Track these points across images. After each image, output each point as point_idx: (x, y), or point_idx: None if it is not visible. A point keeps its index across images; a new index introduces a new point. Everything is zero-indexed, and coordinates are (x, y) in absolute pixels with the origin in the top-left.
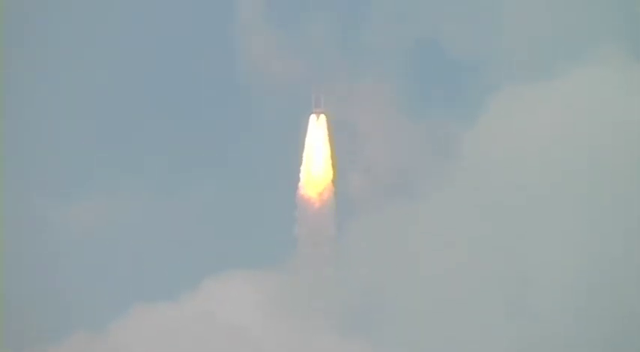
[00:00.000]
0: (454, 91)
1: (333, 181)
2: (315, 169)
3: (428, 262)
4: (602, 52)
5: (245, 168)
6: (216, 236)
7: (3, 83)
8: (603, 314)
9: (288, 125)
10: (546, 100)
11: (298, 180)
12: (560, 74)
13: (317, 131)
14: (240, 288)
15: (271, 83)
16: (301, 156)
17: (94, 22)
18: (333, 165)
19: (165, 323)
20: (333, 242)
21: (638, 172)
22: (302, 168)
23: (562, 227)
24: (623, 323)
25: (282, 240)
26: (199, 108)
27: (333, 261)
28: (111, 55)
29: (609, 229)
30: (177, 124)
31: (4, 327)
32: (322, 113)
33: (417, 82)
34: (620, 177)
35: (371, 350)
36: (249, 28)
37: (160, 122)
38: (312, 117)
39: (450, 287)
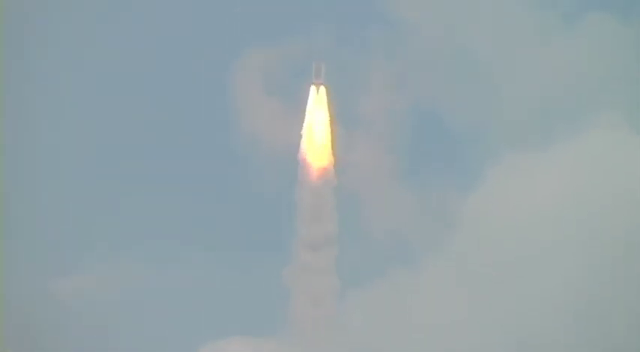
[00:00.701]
0: (453, 160)
1: (333, 151)
2: (317, 138)
3: (426, 330)
4: (602, 120)
5: (243, 237)
6: (215, 304)
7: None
8: None
9: (283, 193)
10: (545, 169)
11: (293, 248)
12: (559, 143)
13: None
14: None
15: (269, 154)
16: (296, 224)
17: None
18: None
19: None
20: (332, 311)
21: (638, 242)
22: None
23: (561, 297)
24: None
25: (280, 308)
26: (196, 176)
27: (331, 326)
28: (107, 132)
29: (608, 299)
30: (176, 194)
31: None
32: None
33: (416, 151)
34: (620, 247)
35: None
36: (246, 97)
37: (158, 191)
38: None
39: None
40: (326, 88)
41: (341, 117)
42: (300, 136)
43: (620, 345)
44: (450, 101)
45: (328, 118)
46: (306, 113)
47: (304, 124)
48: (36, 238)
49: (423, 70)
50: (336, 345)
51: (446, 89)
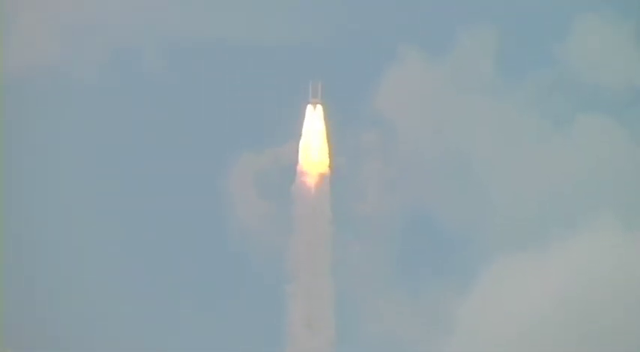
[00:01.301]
0: (446, 263)
1: (330, 167)
2: (313, 156)
3: None
4: (596, 221)
5: (239, 326)
6: None
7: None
8: None
9: (276, 292)
10: (540, 272)
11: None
12: (554, 244)
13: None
14: None
15: (262, 251)
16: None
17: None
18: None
19: None
20: None
21: (636, 344)
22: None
23: None
24: None
25: None
26: (191, 277)
27: None
28: (106, 237)
29: None
30: (173, 285)
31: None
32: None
33: (410, 254)
34: (617, 349)
35: None
36: (239, 200)
37: (154, 290)
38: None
39: None
40: (322, 106)
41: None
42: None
43: None
44: (442, 203)
45: (325, 136)
46: (303, 131)
47: (301, 141)
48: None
49: (416, 173)
50: None
51: (438, 191)
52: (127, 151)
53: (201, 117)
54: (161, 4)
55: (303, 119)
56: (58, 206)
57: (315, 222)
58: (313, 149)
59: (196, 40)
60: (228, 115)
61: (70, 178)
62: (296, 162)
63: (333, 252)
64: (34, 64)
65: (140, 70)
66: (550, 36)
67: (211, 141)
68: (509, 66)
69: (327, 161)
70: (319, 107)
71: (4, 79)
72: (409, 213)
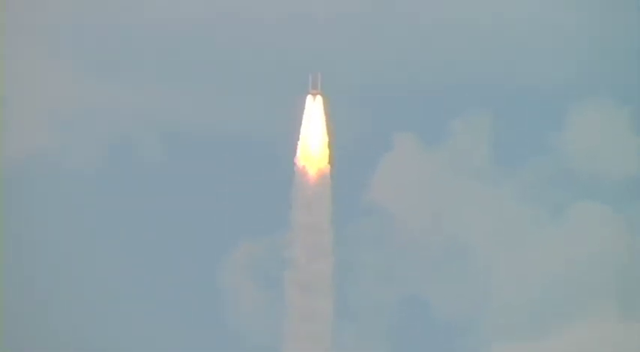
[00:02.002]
0: (443, 351)
1: (330, 161)
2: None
3: None
4: (592, 311)
5: None
6: None
7: None
8: None
9: None
10: None
11: None
12: (551, 333)
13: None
14: None
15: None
16: None
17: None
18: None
19: None
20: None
21: None
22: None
23: None
24: None
25: None
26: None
27: None
28: (103, 326)
29: None
30: None
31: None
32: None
33: (407, 342)
34: None
35: None
36: (234, 289)
37: None
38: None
39: None
40: (322, 97)
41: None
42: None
43: None
44: (439, 291)
45: (324, 127)
46: (303, 122)
47: (301, 133)
48: None
49: (413, 260)
50: None
51: (435, 279)
52: (125, 240)
53: (198, 206)
54: (158, 93)
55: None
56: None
57: (315, 217)
58: (313, 143)
59: (194, 130)
60: (226, 204)
61: (71, 268)
62: None
63: (334, 249)
64: (33, 154)
65: (138, 160)
66: (546, 124)
67: (209, 231)
68: (505, 154)
69: (326, 156)
70: (319, 98)
71: (3, 169)
72: (406, 300)
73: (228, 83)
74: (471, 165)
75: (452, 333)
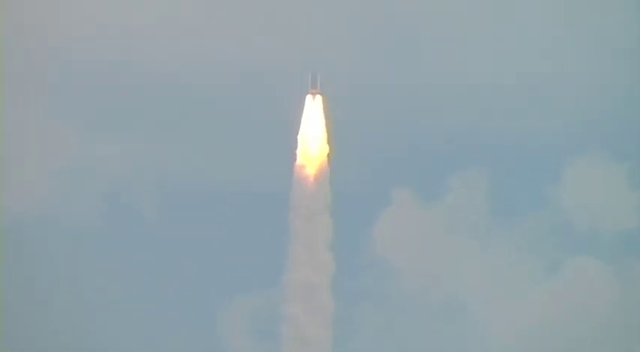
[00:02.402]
0: None
1: (329, 157)
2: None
3: None
4: None
5: None
6: None
7: None
8: None
9: None
10: None
11: None
12: None
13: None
14: None
15: None
16: None
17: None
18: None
19: None
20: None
21: None
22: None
23: None
24: None
25: None
26: None
27: None
28: None
29: None
30: None
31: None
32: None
33: None
34: None
35: None
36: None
37: None
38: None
39: None
40: (322, 96)
41: None
42: None
43: None
44: (438, 345)
45: (324, 126)
46: (302, 121)
47: (300, 132)
48: None
49: (411, 315)
50: None
51: (434, 333)
52: (122, 294)
53: (195, 261)
54: (154, 151)
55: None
56: None
57: (314, 213)
58: (312, 141)
59: (190, 185)
60: (222, 260)
61: (69, 323)
62: None
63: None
64: (32, 212)
65: (135, 215)
66: (542, 180)
67: (205, 287)
68: (502, 209)
69: (326, 153)
70: (318, 97)
71: (3, 225)
72: None
73: (222, 137)
74: (469, 220)
75: None
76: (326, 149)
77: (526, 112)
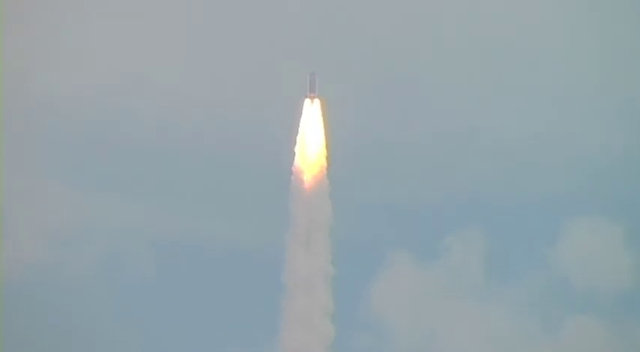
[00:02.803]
0: None
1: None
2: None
3: None
4: None
5: None
6: None
7: None
8: None
9: None
10: None
11: None
12: None
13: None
14: None
15: None
16: None
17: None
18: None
19: None
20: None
21: None
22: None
23: None
24: None
25: None
26: None
27: None
28: None
29: None
30: None
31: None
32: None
33: None
34: None
35: None
36: None
37: None
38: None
39: None
40: (320, 100)
41: None
42: None
43: None
44: None
45: (322, 130)
46: (300, 125)
47: (298, 137)
48: None
49: None
50: None
51: None
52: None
53: (188, 317)
54: (148, 208)
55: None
56: None
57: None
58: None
59: (184, 241)
60: (215, 315)
61: None
62: None
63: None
64: (30, 265)
65: (129, 270)
66: (540, 239)
67: (197, 345)
68: (498, 269)
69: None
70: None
71: (3, 278)
72: None
73: (216, 195)
74: (465, 280)
75: None
76: (324, 153)
77: (524, 173)
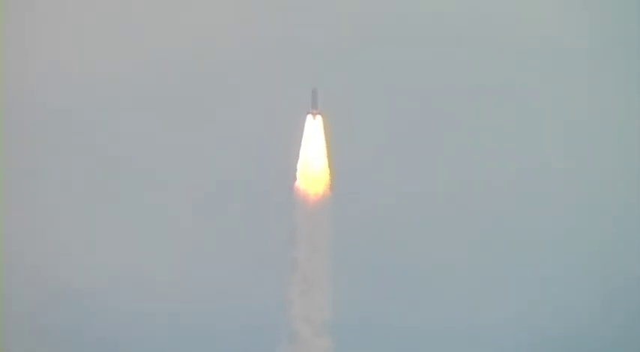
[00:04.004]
0: None
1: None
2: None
3: None
4: None
5: None
6: None
7: None
8: None
9: None
10: None
11: None
12: None
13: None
14: None
15: None
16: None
17: None
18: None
19: None
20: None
21: None
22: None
23: None
24: None
25: None
26: None
27: None
28: None
29: None
30: None
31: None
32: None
33: None
34: None
35: None
36: None
37: None
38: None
39: None
40: (322, 117)
41: None
42: None
43: None
44: None
45: (324, 146)
46: (302, 142)
47: (300, 153)
48: None
49: None
50: None
51: None
52: None
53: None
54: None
55: None
56: None
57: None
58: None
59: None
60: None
61: None
62: None
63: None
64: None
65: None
66: None
67: None
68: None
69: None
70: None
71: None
72: None
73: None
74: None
75: None
76: (326, 170)
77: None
